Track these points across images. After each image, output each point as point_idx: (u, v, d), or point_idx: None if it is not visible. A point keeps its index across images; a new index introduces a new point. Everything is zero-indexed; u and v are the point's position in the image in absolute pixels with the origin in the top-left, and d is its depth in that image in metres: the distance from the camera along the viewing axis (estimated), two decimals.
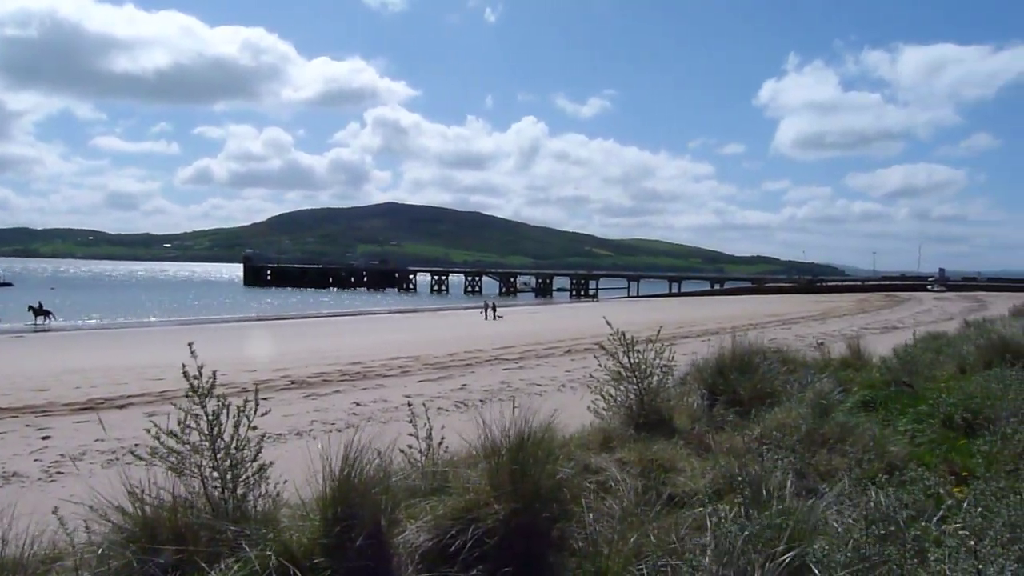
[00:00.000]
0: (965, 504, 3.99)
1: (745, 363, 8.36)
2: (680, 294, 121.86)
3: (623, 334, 7.35)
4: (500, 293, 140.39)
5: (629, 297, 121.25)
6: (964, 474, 5.12)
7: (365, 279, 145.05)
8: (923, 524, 3.82)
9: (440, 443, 5.02)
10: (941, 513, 3.98)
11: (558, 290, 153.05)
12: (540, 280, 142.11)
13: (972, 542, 3.42)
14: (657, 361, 7.31)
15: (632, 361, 7.21)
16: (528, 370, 17.92)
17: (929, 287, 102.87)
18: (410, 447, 4.90)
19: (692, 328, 32.92)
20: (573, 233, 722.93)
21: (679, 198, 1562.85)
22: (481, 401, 13.14)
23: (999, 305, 40.40)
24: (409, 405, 5.47)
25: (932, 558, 3.46)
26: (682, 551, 3.71)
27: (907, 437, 6.35)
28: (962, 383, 8.13)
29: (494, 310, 50.57)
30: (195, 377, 4.28)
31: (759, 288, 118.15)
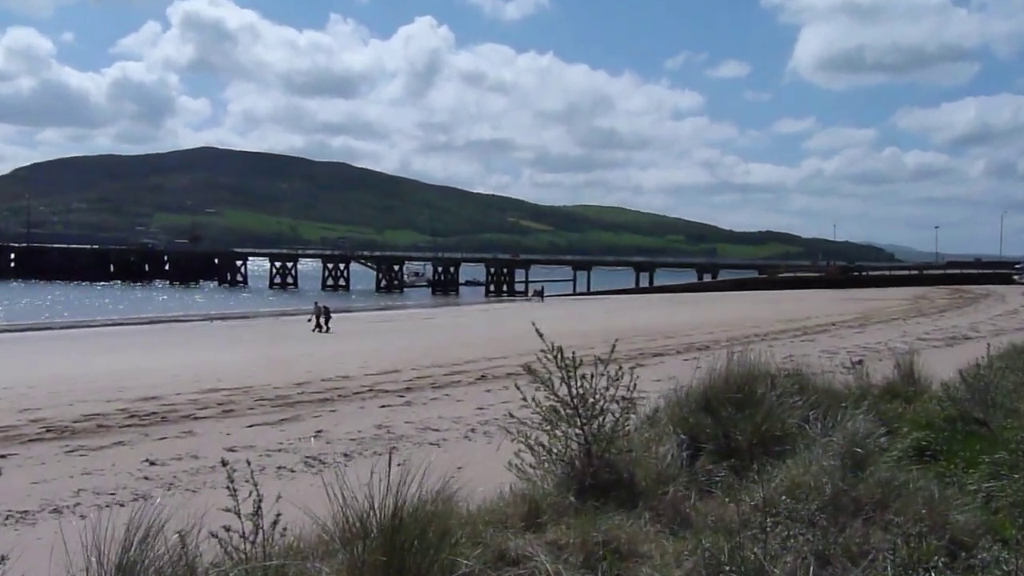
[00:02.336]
0: None
1: (744, 394, 8.56)
2: (652, 289, 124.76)
3: (561, 351, 7.43)
4: (378, 288, 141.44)
5: (576, 295, 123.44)
6: None
7: (168, 267, 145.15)
8: None
9: (276, 522, 5.01)
10: None
11: (467, 284, 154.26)
12: (440, 269, 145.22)
13: None
14: (613, 392, 7.41)
15: (575, 392, 7.28)
16: (420, 407, 18.00)
17: (1017, 278, 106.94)
18: (229, 528, 4.89)
19: (669, 340, 33.75)
20: (491, 197, 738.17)
21: (650, 144, 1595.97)
22: (345, 456, 13.13)
23: None
24: (224, 464, 5.36)
25: None
26: None
27: (979, 500, 6.60)
28: None
29: (326, 319, 51.11)
30: None
31: (768, 279, 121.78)
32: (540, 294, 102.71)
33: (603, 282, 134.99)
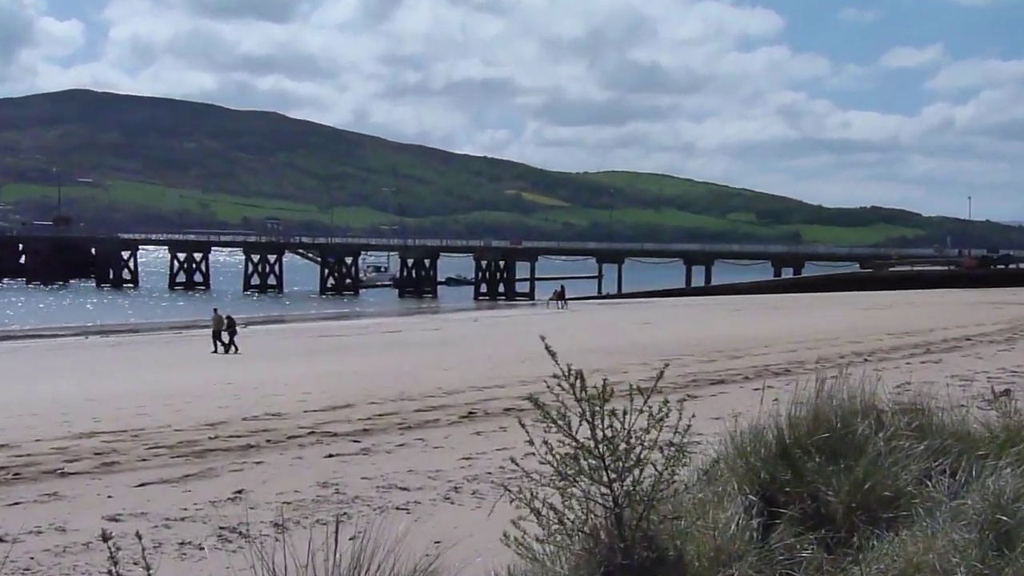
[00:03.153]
0: None
1: (840, 437, 8.57)
2: (710, 289, 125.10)
3: (582, 377, 7.42)
4: (324, 289, 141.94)
5: (602, 298, 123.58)
6: None
7: (23, 261, 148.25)
8: None
9: None
10: None
11: (450, 282, 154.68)
12: (410, 263, 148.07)
13: None
14: (654, 435, 7.40)
15: (602, 435, 7.27)
16: (382, 457, 18.01)
17: None
18: None
19: (733, 362, 33.93)
20: (481, 161, 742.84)
21: (706, 86, 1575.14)
22: (275, 527, 13.05)
23: None
24: (105, 539, 5.32)
25: None
26: None
27: None
28: None
29: (230, 334, 51.44)
30: None
31: (874, 276, 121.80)
32: (561, 297, 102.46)
33: (640, 280, 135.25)
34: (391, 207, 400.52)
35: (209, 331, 54.91)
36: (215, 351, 50.92)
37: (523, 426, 7.59)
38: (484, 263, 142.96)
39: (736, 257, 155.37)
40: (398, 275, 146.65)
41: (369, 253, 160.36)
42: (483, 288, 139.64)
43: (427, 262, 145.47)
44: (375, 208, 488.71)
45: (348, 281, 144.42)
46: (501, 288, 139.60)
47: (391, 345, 52.77)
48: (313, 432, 20.85)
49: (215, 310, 55.97)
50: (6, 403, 26.37)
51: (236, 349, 51.39)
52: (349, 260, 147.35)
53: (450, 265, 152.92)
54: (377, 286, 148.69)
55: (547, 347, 7.64)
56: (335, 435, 20.51)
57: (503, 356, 40.20)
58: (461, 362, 38.90)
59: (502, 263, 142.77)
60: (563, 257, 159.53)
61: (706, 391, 25.44)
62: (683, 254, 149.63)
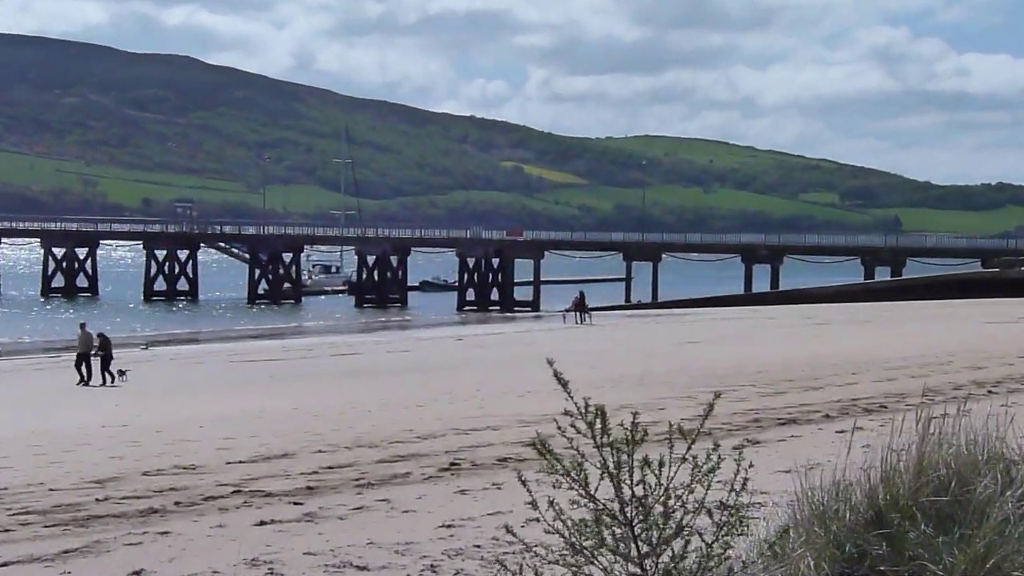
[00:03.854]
0: None
1: (952, 498, 8.57)
2: (777, 296, 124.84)
3: (603, 414, 7.43)
4: (255, 297, 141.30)
5: (631, 307, 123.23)
6: None
7: None
8: None
9: None
10: None
11: (424, 287, 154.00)
12: (371, 260, 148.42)
13: None
14: (701, 493, 7.41)
15: (630, 493, 7.28)
16: (332, 525, 17.94)
17: None
18: None
19: (808, 394, 33.98)
20: (468, 122, 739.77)
21: (772, 20, 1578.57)
22: None
23: None
24: None
25: None
26: None
27: None
28: None
29: (103, 360, 51.56)
30: None
31: (1001, 278, 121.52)
32: (582, 307, 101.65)
33: (684, 283, 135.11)
34: (345, 185, 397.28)
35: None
36: (84, 382, 50.76)
37: (524, 482, 7.59)
38: (471, 261, 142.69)
39: (813, 252, 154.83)
40: (355, 278, 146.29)
41: (316, 248, 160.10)
42: (470, 295, 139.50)
43: (394, 260, 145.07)
44: (324, 186, 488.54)
45: (287, 286, 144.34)
46: (495, 295, 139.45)
47: (345, 373, 52.67)
48: (239, 491, 20.75)
49: (82, 326, 55.35)
50: None
51: (114, 379, 51.12)
52: (288, 257, 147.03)
53: (425, 265, 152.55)
54: (327, 292, 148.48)
55: (556, 374, 7.65)
56: (269, 495, 20.42)
57: (497, 387, 40.19)
58: (440, 395, 38.72)
59: (496, 261, 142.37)
60: (579, 253, 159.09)
61: (772, 434, 25.42)
62: (742, 249, 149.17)
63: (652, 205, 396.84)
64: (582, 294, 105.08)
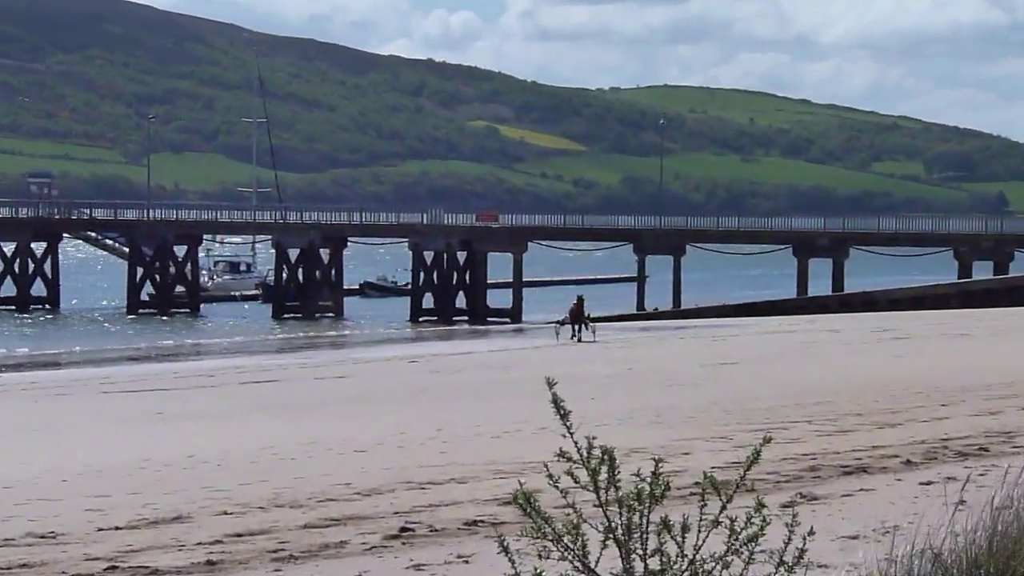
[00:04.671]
0: None
1: None
2: (839, 302, 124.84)
3: (611, 458, 7.44)
4: (137, 304, 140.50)
5: (645, 316, 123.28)
6: None
7: None
8: None
9: None
10: None
11: (366, 290, 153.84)
12: (293, 256, 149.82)
13: None
14: (737, 564, 7.43)
15: (644, 567, 7.29)
16: None
17: None
18: None
19: (880, 432, 34.11)
20: (426, 66, 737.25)
21: None
22: None
23: None
24: None
25: None
26: None
27: None
28: None
29: None
30: None
31: None
32: (580, 317, 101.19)
33: (715, 283, 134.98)
34: (259, 154, 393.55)
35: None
36: None
37: (506, 550, 7.59)
38: (430, 256, 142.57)
39: (889, 242, 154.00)
40: (271, 278, 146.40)
41: (219, 238, 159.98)
42: (428, 301, 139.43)
43: (325, 254, 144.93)
44: (230, 156, 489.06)
45: (180, 290, 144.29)
46: (461, 301, 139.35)
47: (259, 406, 52.58)
48: (115, 567, 20.74)
49: None
50: None
51: None
52: (182, 252, 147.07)
53: (368, 261, 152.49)
54: (235, 298, 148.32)
55: (555, 400, 7.67)
56: (156, 572, 20.45)
57: (464, 426, 40.13)
58: (388, 437, 38.44)
59: (462, 256, 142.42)
60: (575, 245, 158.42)
61: (834, 487, 25.45)
62: (793, 237, 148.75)
63: (673, 179, 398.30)
64: (580, 300, 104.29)
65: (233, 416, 49.27)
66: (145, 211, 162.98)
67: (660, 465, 7.42)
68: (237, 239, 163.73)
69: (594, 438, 7.47)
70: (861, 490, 24.65)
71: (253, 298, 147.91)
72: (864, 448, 31.07)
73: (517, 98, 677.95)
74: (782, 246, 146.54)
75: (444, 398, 53.40)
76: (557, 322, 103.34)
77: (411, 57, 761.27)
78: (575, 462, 7.46)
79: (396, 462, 31.49)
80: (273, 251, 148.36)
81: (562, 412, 7.36)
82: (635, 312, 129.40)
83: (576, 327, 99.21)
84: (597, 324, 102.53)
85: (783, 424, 34.77)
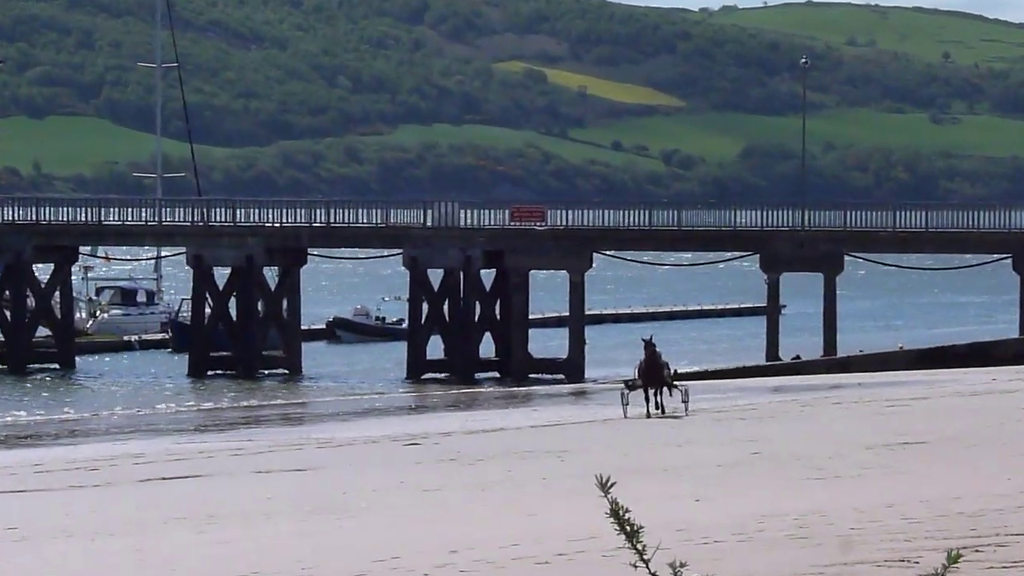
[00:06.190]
0: None
1: None
2: None
3: None
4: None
5: (784, 373, 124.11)
6: None
7: None
8: None
9: None
10: None
11: (338, 330, 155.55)
12: (217, 285, 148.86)
13: None
14: None
15: None
16: None
17: None
18: None
19: None
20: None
21: None
22: None
23: None
24: None
25: None
26: None
27: None
28: None
29: None
30: None
31: None
32: (661, 373, 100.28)
33: (892, 314, 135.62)
34: (165, 119, 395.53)
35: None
36: None
37: None
38: (437, 276, 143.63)
39: None
40: (186, 313, 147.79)
41: (104, 252, 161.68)
42: (435, 347, 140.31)
43: (271, 275, 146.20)
44: (118, 120, 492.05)
45: (44, 332, 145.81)
46: (488, 347, 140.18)
47: (169, 519, 52.70)
48: None
49: None
50: None
51: None
52: (49, 269, 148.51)
53: (338, 284, 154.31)
54: (129, 345, 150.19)
55: (617, 513, 7.79)
56: None
57: (492, 547, 40.13)
58: (372, 567, 38.02)
59: (489, 276, 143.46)
60: (667, 256, 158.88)
61: None
62: (1014, 241, 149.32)
63: (823, 151, 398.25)
64: (650, 346, 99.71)
65: (129, 534, 49.08)
66: (29, 208, 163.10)
67: None
68: (132, 252, 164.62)
69: (685, 564, 7.58)
70: None
71: (158, 344, 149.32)
72: None
73: (574, 25, 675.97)
74: (997, 256, 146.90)
75: (462, 502, 53.40)
76: (625, 383, 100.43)
77: None
78: None
79: None
80: (190, 271, 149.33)
81: (628, 530, 7.48)
82: (763, 364, 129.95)
83: (653, 391, 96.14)
84: (690, 383, 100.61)
85: (998, 538, 34.79)
